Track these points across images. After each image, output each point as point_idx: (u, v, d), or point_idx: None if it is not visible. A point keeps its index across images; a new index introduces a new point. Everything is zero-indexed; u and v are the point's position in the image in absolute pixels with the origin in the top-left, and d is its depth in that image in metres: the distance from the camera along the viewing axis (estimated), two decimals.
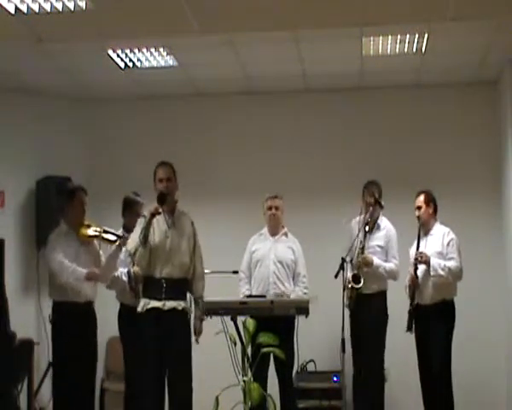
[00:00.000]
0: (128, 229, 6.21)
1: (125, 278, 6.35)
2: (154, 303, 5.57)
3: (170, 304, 5.56)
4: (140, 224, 5.56)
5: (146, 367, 5.44)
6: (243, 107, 8.28)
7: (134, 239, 5.55)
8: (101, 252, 6.37)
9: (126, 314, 6.35)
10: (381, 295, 6.89)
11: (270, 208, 6.83)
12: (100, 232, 6.14)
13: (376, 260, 6.80)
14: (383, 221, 6.97)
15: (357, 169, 7.79)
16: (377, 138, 7.99)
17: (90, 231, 6.17)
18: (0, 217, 7.34)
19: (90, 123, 8.47)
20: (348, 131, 8.11)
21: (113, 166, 8.44)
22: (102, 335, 6.82)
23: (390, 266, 6.84)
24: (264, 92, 8.12)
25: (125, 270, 6.37)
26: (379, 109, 8.02)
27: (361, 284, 6.67)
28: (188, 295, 5.78)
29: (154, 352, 5.50)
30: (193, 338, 5.76)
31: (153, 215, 5.48)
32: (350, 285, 6.66)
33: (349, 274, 6.67)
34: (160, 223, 5.64)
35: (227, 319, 5.92)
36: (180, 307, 5.61)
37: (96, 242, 6.33)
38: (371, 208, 6.81)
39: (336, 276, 6.58)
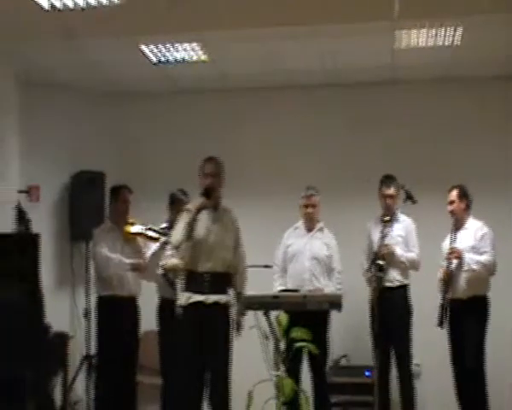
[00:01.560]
0: (172, 226, 6.15)
1: (160, 271, 6.29)
2: (197, 297, 5.56)
3: (213, 298, 5.56)
4: (184, 217, 5.55)
5: (186, 363, 5.47)
6: (276, 102, 8.18)
7: (178, 233, 5.54)
8: (145, 250, 6.50)
9: (167, 308, 6.32)
10: (404, 289, 6.84)
11: (306, 206, 6.82)
12: (143, 230, 6.26)
13: (398, 250, 6.75)
14: (401, 215, 6.95)
15: (388, 164, 7.63)
16: (405, 132, 7.93)
17: (134, 229, 6.31)
18: (36, 212, 7.25)
19: (120, 118, 8.42)
20: (377, 125, 8.01)
21: (143, 161, 8.40)
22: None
23: (412, 255, 6.80)
24: (294, 86, 8.06)
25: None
26: (408, 103, 7.98)
27: (383, 274, 6.64)
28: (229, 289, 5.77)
29: (195, 347, 5.51)
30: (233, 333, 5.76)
31: (198, 210, 5.49)
32: (373, 276, 6.60)
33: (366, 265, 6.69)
34: (204, 218, 5.64)
35: (260, 313, 5.94)
36: (222, 301, 5.61)
37: (139, 239, 6.46)
38: (390, 201, 6.80)
39: (369, 270, 6.64)
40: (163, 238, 6.17)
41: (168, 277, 6.19)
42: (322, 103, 8.06)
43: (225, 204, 5.84)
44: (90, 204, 7.47)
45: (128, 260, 6.36)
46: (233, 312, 5.73)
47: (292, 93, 8.08)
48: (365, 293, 6.78)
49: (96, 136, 8.21)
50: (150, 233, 6.28)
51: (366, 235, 6.98)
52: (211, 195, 5.56)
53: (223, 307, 5.62)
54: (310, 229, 6.92)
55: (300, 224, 6.97)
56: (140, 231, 6.30)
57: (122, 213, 6.46)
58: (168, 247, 5.87)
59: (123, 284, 6.34)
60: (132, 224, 6.39)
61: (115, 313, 6.33)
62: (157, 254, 6.26)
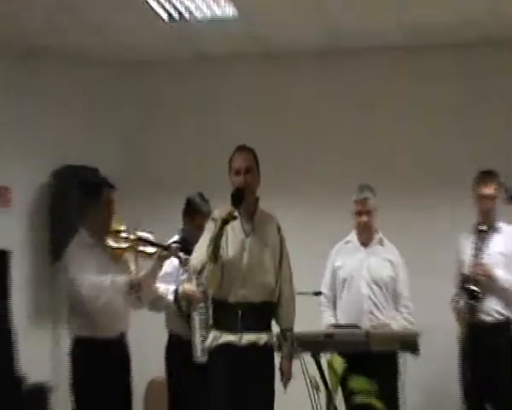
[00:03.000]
0: (185, 239, 5.76)
1: (171, 297, 5.78)
2: (228, 337, 5.05)
3: (248, 337, 5.03)
4: (209, 230, 5.03)
5: None
6: (323, 69, 7.55)
7: (201, 252, 5.01)
8: (132, 267, 5.76)
9: (177, 347, 5.85)
10: (507, 325, 6.07)
11: (359, 213, 6.17)
12: (134, 242, 5.54)
13: (498, 271, 6.02)
14: (502, 224, 6.24)
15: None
16: None
17: (120, 242, 5.61)
18: (5, 220, 6.94)
19: (122, 94, 7.86)
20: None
21: (154, 151, 7.82)
22: (141, 377, 6.27)
23: None
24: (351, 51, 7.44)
25: (173, 287, 5.83)
26: None
27: (478, 304, 5.95)
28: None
29: (227, 403, 4.99)
30: (279, 384, 5.19)
31: (226, 222, 4.94)
32: (464, 306, 5.95)
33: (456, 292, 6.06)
34: (235, 230, 5.12)
35: (307, 355, 5.33)
36: (262, 342, 5.07)
37: (128, 255, 5.73)
38: (489, 204, 6.14)
39: (458, 298, 5.96)
40: (161, 252, 5.58)
41: (180, 305, 5.76)
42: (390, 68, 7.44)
43: (266, 208, 5.26)
44: (78, 210, 6.33)
45: (123, 278, 5.56)
46: (278, 356, 5.22)
47: (346, 58, 7.48)
48: (452, 329, 6.14)
49: (89, 120, 7.69)
50: (143, 247, 5.56)
51: (456, 251, 6.29)
52: (243, 198, 4.98)
53: (263, 350, 5.09)
54: (366, 242, 6.21)
55: (353, 236, 6.27)
56: (129, 244, 5.57)
57: (104, 221, 5.60)
58: (189, 271, 5.51)
59: (114, 321, 5.55)
60: (117, 234, 5.61)
61: (99, 357, 5.48)
62: (152, 275, 5.64)
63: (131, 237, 5.56)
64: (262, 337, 5.06)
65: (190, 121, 7.80)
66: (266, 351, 5.10)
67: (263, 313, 5.13)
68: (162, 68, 7.86)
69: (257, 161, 5.18)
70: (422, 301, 6.28)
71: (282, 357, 5.20)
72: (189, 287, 5.58)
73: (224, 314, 5.09)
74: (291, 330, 5.22)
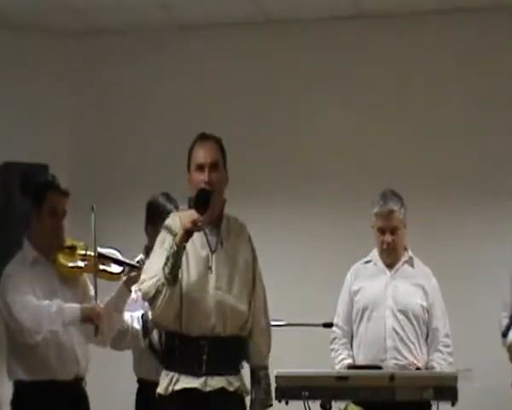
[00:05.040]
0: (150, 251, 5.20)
1: (137, 327, 5.10)
2: (188, 381, 4.33)
3: (215, 382, 4.35)
4: (161, 243, 4.38)
5: None
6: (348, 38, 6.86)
7: (154, 272, 4.32)
8: (92, 293, 5.14)
9: (147, 396, 5.00)
10: None
11: (382, 231, 5.46)
12: (92, 260, 4.91)
13: None
14: None
15: None
16: None
17: (75, 259, 4.97)
18: None
19: (81, 72, 7.12)
20: None
21: (118, 145, 7.08)
22: None
23: None
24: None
25: (138, 314, 5.18)
26: None
27: None
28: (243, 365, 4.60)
29: None
30: None
31: (188, 234, 4.27)
32: None
33: None
34: (196, 244, 4.42)
35: (315, 405, 4.75)
36: (232, 388, 4.39)
37: (85, 276, 5.10)
38: None
39: (505, 334, 5.12)
40: (127, 272, 4.99)
41: (152, 341, 5.09)
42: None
43: (232, 212, 4.60)
44: (24, 218, 5.69)
45: (75, 306, 4.90)
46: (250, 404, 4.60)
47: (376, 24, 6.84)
48: (503, 371, 5.52)
49: (37, 105, 6.97)
50: (104, 266, 4.95)
51: (509, 274, 5.65)
52: (209, 202, 4.31)
53: (232, 397, 4.42)
54: (391, 264, 5.52)
55: (374, 255, 5.60)
56: (86, 262, 4.95)
57: (51, 232, 4.95)
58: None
59: (65, 361, 4.87)
60: (71, 249, 4.97)
61: (49, 407, 4.86)
62: (118, 301, 5.05)
63: (89, 253, 4.91)
64: (232, 382, 4.35)
65: (161, 105, 7.03)
66: (236, 400, 4.38)
67: (233, 350, 4.43)
68: (131, 41, 7.05)
69: (224, 153, 4.53)
70: (460, 336, 5.65)
71: (250, 405, 4.46)
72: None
73: (184, 352, 4.39)
74: (265, 368, 4.52)
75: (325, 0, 6.81)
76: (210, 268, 4.39)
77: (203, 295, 4.36)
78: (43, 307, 4.79)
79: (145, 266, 4.52)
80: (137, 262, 5.08)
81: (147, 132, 7.11)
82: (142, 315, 5.10)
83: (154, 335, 5.06)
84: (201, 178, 4.36)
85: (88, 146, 7.16)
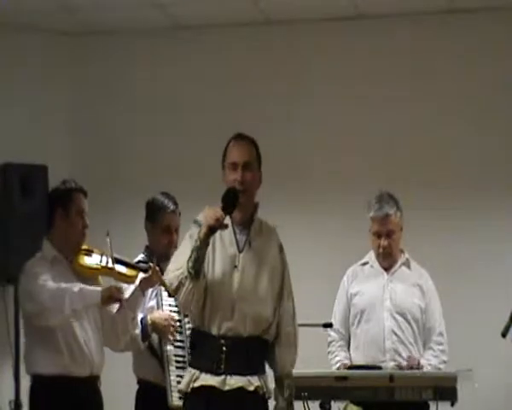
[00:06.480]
0: (152, 252, 5.16)
1: (137, 331, 5.07)
2: (207, 379, 4.34)
3: (234, 381, 4.33)
4: (190, 236, 4.37)
5: None
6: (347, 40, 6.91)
7: (179, 263, 4.34)
8: None
9: (148, 397, 5.19)
10: None
11: (377, 235, 5.46)
12: (108, 263, 4.94)
13: None
14: None
15: None
16: None
17: (93, 261, 5.01)
18: None
19: (80, 72, 7.11)
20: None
21: (118, 146, 7.10)
22: None
23: None
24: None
25: (138, 318, 5.14)
26: None
27: None
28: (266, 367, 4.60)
29: None
30: None
31: (212, 229, 4.23)
32: None
33: None
34: (225, 242, 4.41)
35: (314, 405, 4.69)
36: (252, 388, 4.35)
37: (101, 278, 5.12)
38: None
39: (504, 334, 4.98)
40: (141, 275, 4.99)
41: (152, 343, 5.08)
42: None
43: (265, 217, 4.58)
44: (25, 219, 6.05)
45: (95, 288, 4.90)
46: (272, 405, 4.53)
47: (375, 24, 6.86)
48: (503, 371, 5.89)
49: (36, 107, 6.94)
50: (120, 268, 4.93)
51: None
52: (237, 201, 4.30)
53: (253, 398, 4.36)
54: (388, 266, 5.54)
55: (371, 258, 5.61)
56: (103, 264, 4.94)
57: (75, 234, 4.99)
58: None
59: (79, 355, 4.86)
60: (89, 252, 5.01)
61: (65, 403, 4.84)
62: (133, 303, 5.00)
63: (105, 257, 4.97)
64: (252, 382, 4.29)
65: (161, 104, 7.01)
66: (257, 400, 4.30)
67: (255, 351, 4.37)
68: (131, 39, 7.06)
69: (259, 155, 4.49)
70: (460, 336, 5.75)
71: (275, 407, 4.43)
72: (160, 315, 4.92)
73: (205, 349, 4.34)
74: (290, 377, 4.45)
75: (325, 0, 6.78)
76: (236, 267, 4.40)
77: (226, 293, 4.37)
78: (64, 288, 4.81)
79: (173, 257, 4.52)
80: (148, 265, 5.07)
81: (147, 132, 7.09)
82: (142, 319, 5.07)
83: (154, 337, 5.04)
84: (234, 177, 4.37)
85: (87, 147, 7.14)
